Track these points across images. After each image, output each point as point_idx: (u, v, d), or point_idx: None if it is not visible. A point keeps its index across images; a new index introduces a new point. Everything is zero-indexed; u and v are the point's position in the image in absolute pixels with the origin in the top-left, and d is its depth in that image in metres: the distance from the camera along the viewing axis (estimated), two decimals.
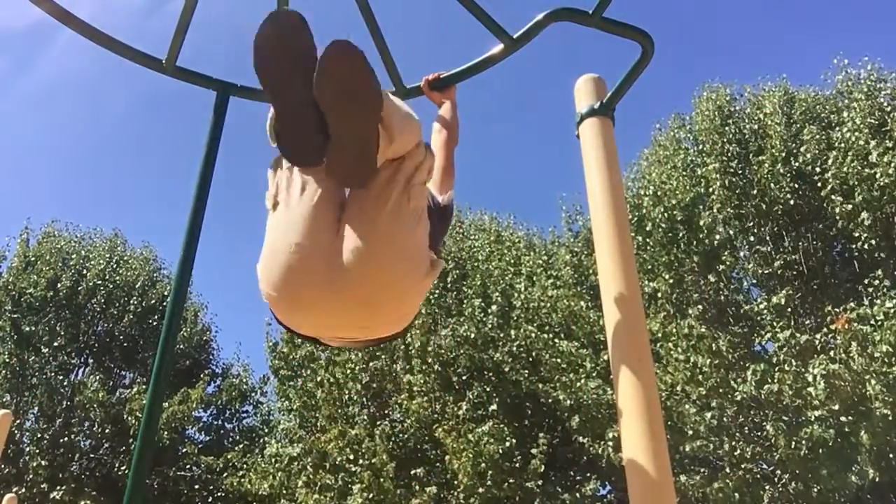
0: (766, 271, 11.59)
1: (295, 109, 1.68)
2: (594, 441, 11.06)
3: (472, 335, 12.49)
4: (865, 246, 10.78)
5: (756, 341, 10.81)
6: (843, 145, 11.24)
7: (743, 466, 9.97)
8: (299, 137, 1.72)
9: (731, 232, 11.88)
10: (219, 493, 14.79)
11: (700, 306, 11.18)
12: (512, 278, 14.13)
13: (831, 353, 9.50)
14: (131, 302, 17.24)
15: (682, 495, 10.04)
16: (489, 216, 17.13)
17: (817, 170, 11.52)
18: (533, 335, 12.09)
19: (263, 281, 1.83)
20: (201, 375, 16.43)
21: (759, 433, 10.33)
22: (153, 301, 17.55)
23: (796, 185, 11.76)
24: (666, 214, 12.14)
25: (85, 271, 17.22)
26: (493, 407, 11.80)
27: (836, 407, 9.03)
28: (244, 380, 17.53)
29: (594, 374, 11.26)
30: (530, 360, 12.45)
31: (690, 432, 9.96)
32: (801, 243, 11.75)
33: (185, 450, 14.93)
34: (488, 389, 12.24)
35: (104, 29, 2.90)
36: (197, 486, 15.43)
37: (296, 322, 1.93)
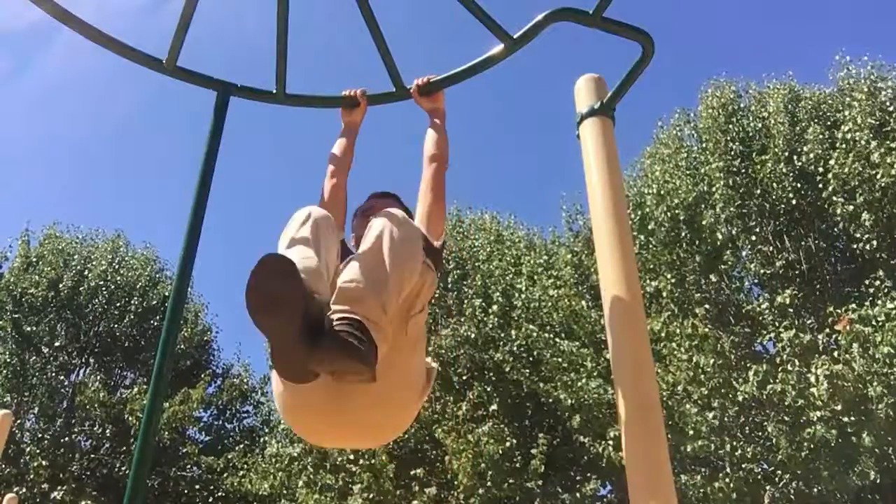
0: (767, 271, 11.57)
1: (284, 347, 1.65)
2: (595, 440, 11.05)
3: (473, 335, 12.46)
4: (866, 247, 10.76)
5: (758, 341, 10.79)
6: (844, 145, 11.21)
7: (744, 466, 9.96)
8: (291, 370, 1.72)
9: (733, 231, 11.85)
10: (219, 493, 14.78)
11: (705, 306, 11.16)
12: (513, 278, 14.10)
13: (834, 353, 9.48)
14: (132, 302, 17.25)
15: (683, 495, 10.03)
16: (490, 216, 17.10)
17: (820, 169, 11.47)
18: (534, 334, 12.06)
19: (280, 411, 2.07)
20: (202, 375, 16.41)
21: (760, 433, 10.31)
22: (154, 301, 17.55)
23: (799, 185, 11.71)
24: (669, 214, 12.11)
25: (86, 272, 17.23)
26: (494, 407, 11.78)
27: (839, 408, 9.01)
28: (244, 380, 17.55)
29: (595, 374, 11.24)
30: (531, 359, 12.43)
31: (692, 432, 9.94)
32: (802, 243, 11.72)
33: (185, 450, 14.93)
34: (489, 389, 12.22)
35: (104, 29, 2.90)
36: (197, 486, 15.42)
37: (314, 440, 2.31)
